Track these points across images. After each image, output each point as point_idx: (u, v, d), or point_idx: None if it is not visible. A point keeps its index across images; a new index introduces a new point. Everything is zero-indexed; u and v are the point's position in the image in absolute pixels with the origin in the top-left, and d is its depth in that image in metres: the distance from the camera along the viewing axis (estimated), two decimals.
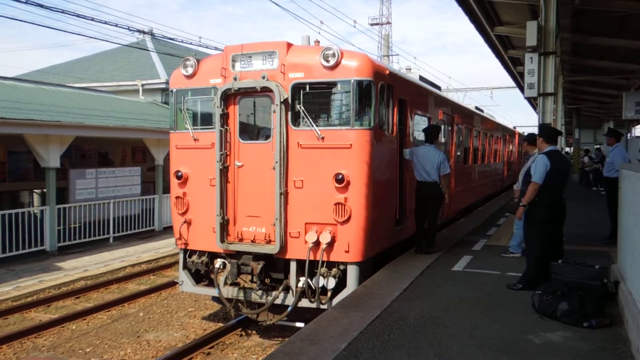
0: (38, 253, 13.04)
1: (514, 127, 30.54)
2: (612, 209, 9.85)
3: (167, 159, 13.20)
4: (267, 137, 7.46)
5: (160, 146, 16.51)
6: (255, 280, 7.51)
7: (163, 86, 20.43)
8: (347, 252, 7.00)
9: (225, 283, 7.75)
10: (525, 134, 12.37)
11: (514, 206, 8.26)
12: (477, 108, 17.94)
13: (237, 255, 7.55)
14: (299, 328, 6.51)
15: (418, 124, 9.60)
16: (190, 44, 19.44)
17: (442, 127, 11.43)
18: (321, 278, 7.02)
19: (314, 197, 7.10)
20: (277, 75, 7.25)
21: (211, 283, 8.05)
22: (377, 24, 59.93)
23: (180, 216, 7.98)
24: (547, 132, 7.29)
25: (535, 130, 10.91)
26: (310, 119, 7.07)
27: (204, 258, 7.90)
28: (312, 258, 7.03)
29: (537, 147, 8.96)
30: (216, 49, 17.69)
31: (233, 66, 7.54)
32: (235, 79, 7.44)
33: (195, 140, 7.85)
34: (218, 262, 7.67)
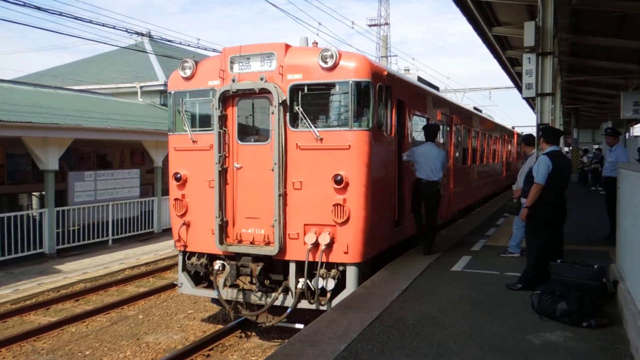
0: (37, 256, 13.02)
1: (513, 127, 30.56)
2: (611, 209, 9.87)
3: (165, 161, 13.20)
4: (266, 138, 7.46)
5: (159, 148, 16.50)
6: (254, 281, 7.50)
7: (161, 88, 20.45)
8: (346, 253, 7.00)
9: (225, 285, 7.75)
10: (524, 134, 12.42)
11: (513, 206, 8.27)
12: (475, 108, 17.97)
13: (236, 256, 7.55)
14: (299, 329, 6.52)
15: (416, 125, 9.62)
16: (189, 45, 19.37)
17: (441, 127, 11.45)
18: (320, 279, 7.01)
19: (313, 198, 7.10)
20: (275, 76, 7.25)
21: (210, 285, 8.05)
22: (375, 25, 60.07)
23: (179, 218, 7.98)
24: (548, 132, 7.30)
25: (533, 131, 10.93)
26: (308, 120, 7.07)
27: (203, 260, 7.90)
28: (311, 259, 7.02)
29: (534, 148, 9.03)
30: (214, 50, 17.69)
31: (231, 68, 7.54)
32: (233, 80, 7.44)
33: (193, 142, 7.85)
34: (217, 264, 7.67)
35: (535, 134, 9.70)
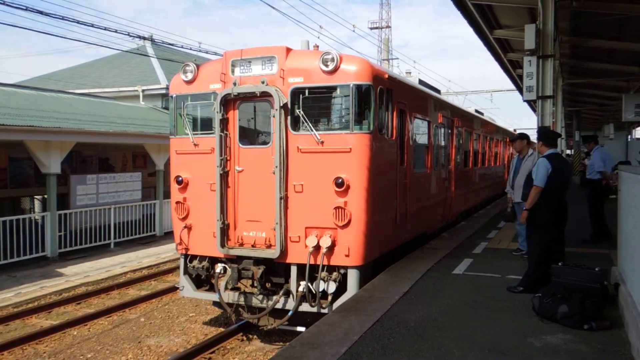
0: (39, 259, 13.04)
1: (514, 130, 30.55)
2: (592, 211, 10.15)
3: (167, 164, 13.22)
4: (267, 141, 7.48)
5: (160, 151, 16.54)
6: (255, 284, 7.51)
7: (163, 91, 20.51)
8: (347, 256, 7.01)
9: (226, 288, 7.76)
10: (517, 132, 12.46)
11: (507, 216, 8.34)
12: (477, 111, 17.96)
13: (238, 260, 7.56)
14: (300, 332, 6.52)
15: (418, 128, 9.62)
16: (190, 49, 19.46)
17: (442, 130, 11.47)
18: (322, 282, 7.02)
19: (314, 202, 7.11)
20: (276, 80, 7.27)
21: (212, 288, 8.05)
22: (376, 28, 60.11)
23: (180, 221, 7.99)
24: (546, 135, 7.32)
25: (532, 132, 11.01)
26: (309, 124, 7.09)
27: (205, 263, 7.91)
28: (312, 262, 7.03)
29: (531, 149, 9.10)
30: (216, 54, 17.77)
31: (232, 71, 7.57)
32: (234, 84, 7.47)
33: (195, 145, 7.87)
34: (219, 267, 7.67)
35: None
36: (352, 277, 7.07)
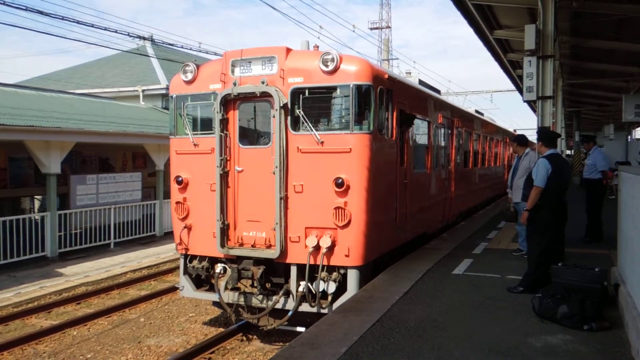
0: (39, 259, 13.03)
1: (514, 130, 30.54)
2: (590, 210, 10.21)
3: (167, 164, 13.23)
4: (267, 142, 7.48)
5: (160, 151, 16.54)
6: (255, 285, 7.51)
7: (163, 92, 20.50)
8: (347, 256, 7.01)
9: (226, 288, 7.76)
10: (517, 134, 12.59)
11: (509, 215, 8.35)
12: (477, 111, 17.96)
13: (238, 260, 7.56)
14: (300, 332, 6.52)
15: (418, 128, 9.62)
16: (190, 49, 19.46)
17: (442, 130, 11.47)
18: (321, 282, 7.02)
19: (314, 202, 7.11)
20: (276, 80, 7.27)
21: (212, 288, 8.05)
22: (377, 28, 60.09)
23: (180, 221, 7.99)
24: (546, 135, 7.33)
25: (532, 133, 11.07)
26: (309, 124, 7.09)
27: (205, 263, 7.91)
28: (312, 262, 7.03)
29: (526, 148, 9.16)
30: (216, 54, 17.77)
31: (232, 71, 7.57)
32: (234, 84, 7.47)
33: (195, 145, 7.87)
34: (218, 267, 7.67)
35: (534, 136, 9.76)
36: (352, 277, 7.07)
